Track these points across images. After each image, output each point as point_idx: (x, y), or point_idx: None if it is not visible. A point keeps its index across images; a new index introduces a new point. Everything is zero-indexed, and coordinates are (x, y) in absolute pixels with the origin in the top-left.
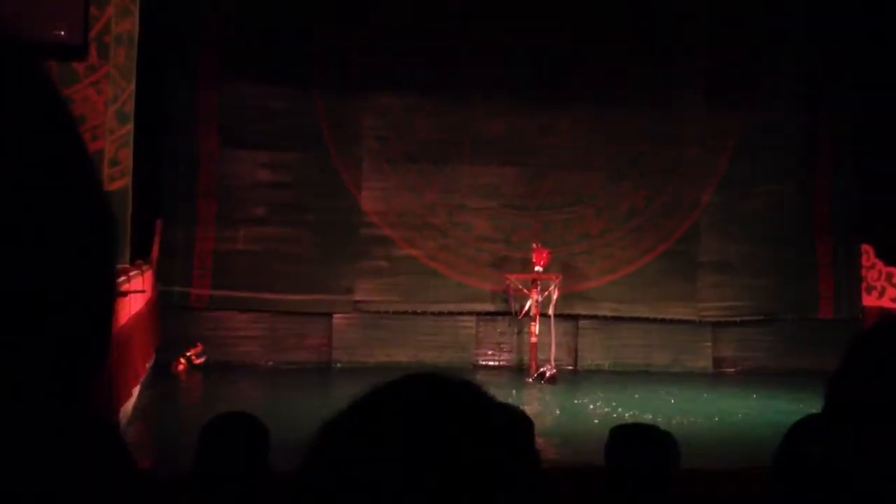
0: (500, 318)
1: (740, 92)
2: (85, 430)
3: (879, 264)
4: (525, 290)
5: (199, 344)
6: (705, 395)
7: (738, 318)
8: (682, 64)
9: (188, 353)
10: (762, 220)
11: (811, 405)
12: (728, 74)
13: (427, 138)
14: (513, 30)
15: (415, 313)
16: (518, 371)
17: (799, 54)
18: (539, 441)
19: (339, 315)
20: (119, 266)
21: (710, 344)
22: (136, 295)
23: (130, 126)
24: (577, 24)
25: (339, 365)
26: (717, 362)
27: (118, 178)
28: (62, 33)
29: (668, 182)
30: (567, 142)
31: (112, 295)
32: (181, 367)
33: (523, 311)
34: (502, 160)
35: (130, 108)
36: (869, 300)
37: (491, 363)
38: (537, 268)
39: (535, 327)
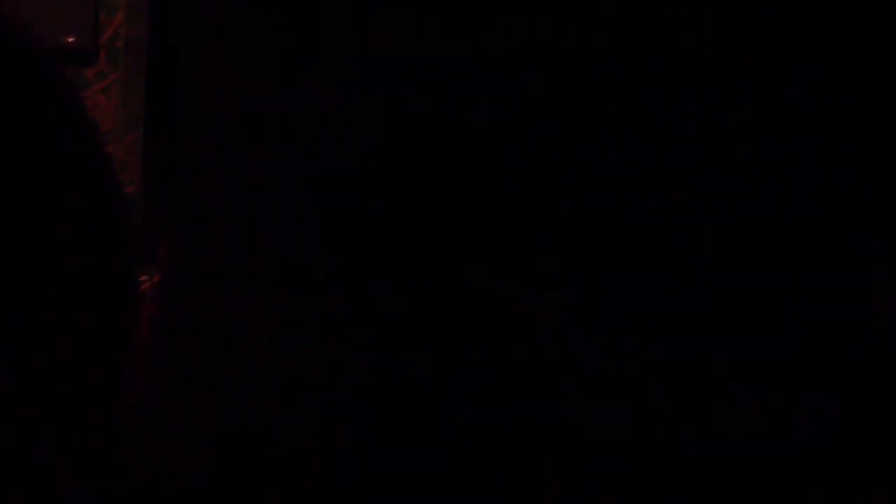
0: None
1: (754, 94)
2: (94, 431)
3: None
4: None
5: None
6: None
7: None
8: (695, 66)
9: None
10: None
11: None
12: (741, 77)
13: None
14: (522, 33)
15: None
16: None
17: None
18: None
19: None
20: (135, 270)
21: None
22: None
23: (140, 132)
24: (587, 26)
25: None
26: None
27: (128, 184)
28: (71, 39)
29: None
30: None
31: (131, 298)
32: None
33: None
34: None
35: (140, 113)
36: None
37: None
38: None
39: None
